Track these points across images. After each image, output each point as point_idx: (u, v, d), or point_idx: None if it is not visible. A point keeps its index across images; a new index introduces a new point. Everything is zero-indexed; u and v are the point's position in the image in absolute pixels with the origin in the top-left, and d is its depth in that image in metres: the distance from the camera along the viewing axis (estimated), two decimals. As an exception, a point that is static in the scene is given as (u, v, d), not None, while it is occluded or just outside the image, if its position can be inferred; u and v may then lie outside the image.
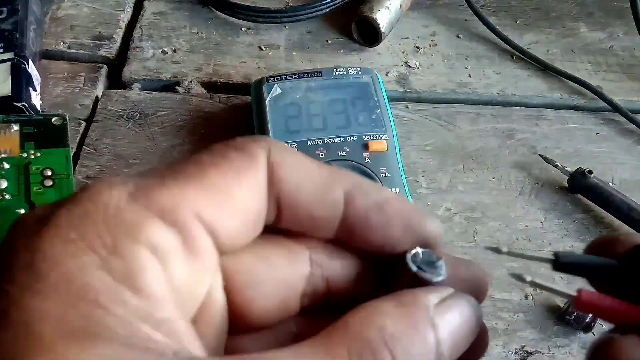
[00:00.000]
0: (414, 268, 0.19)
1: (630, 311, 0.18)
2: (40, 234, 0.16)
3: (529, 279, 0.18)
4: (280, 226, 0.20)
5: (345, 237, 0.20)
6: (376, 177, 0.37)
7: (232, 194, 0.18)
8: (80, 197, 0.17)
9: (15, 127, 0.40)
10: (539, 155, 0.43)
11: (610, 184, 0.41)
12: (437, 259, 0.19)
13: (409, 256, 0.19)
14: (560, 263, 0.19)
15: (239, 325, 0.19)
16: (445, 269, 0.19)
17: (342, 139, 0.39)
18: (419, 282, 0.19)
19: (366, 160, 0.38)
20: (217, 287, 0.19)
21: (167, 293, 0.16)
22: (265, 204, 0.19)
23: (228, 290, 0.19)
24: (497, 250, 0.20)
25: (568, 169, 0.41)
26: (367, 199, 0.20)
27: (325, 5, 0.51)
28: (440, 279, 0.19)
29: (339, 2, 0.52)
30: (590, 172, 0.40)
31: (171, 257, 0.17)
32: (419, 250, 0.19)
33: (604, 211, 0.40)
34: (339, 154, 0.38)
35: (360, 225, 0.20)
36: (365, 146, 0.39)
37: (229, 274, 0.19)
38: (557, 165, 0.42)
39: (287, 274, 0.20)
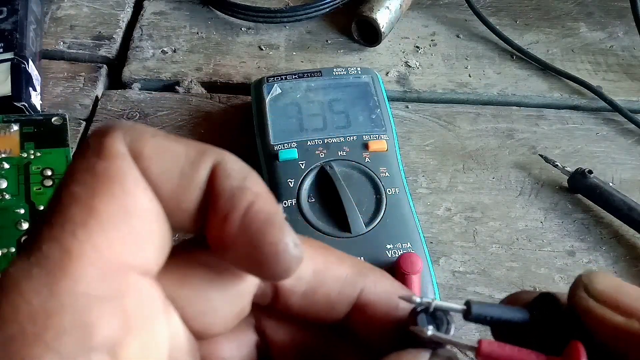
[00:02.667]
0: (428, 332, 0.18)
1: (527, 357, 0.17)
2: None
3: (429, 333, 0.18)
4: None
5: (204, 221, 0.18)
6: (376, 177, 0.37)
7: (134, 213, 0.16)
8: None
9: (15, 127, 0.40)
10: (539, 155, 0.43)
11: (610, 184, 0.41)
12: (446, 316, 0.19)
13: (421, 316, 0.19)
14: (472, 313, 0.18)
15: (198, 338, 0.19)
16: (453, 328, 0.19)
17: (342, 138, 0.39)
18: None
19: (366, 160, 0.38)
20: (175, 328, 0.18)
21: None
22: (156, 200, 0.17)
23: (184, 320, 0.18)
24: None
25: (568, 169, 0.41)
26: (230, 181, 0.17)
27: (325, 5, 0.51)
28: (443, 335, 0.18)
29: (339, 2, 0.52)
30: (590, 172, 0.40)
31: (122, 346, 0.15)
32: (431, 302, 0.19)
33: (604, 211, 0.40)
34: (339, 153, 0.38)
35: (215, 210, 0.17)
36: (365, 146, 0.39)
37: (182, 309, 0.18)
38: (557, 165, 0.42)
39: (241, 286, 0.19)
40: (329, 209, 0.36)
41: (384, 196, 0.37)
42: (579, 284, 0.18)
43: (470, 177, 0.42)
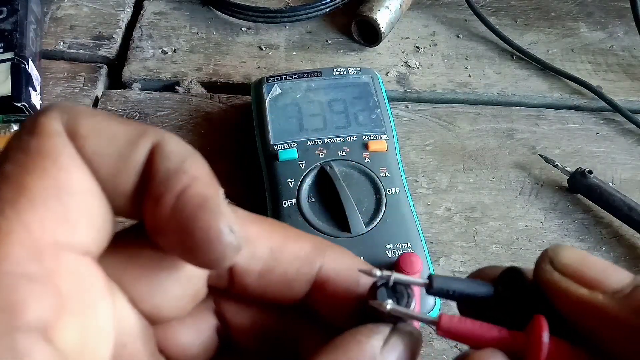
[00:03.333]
0: (388, 306, 0.18)
1: (488, 332, 0.17)
2: None
3: (389, 307, 0.18)
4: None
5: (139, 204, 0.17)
6: (376, 177, 0.37)
7: (68, 191, 0.16)
8: None
9: (15, 127, 0.40)
10: (539, 155, 0.43)
11: (610, 184, 0.41)
12: (407, 290, 0.18)
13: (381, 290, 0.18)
14: (433, 287, 0.18)
15: (154, 322, 0.18)
16: (414, 303, 0.18)
17: (342, 138, 0.39)
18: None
19: (366, 160, 0.38)
20: (122, 310, 0.17)
21: None
22: (93, 180, 0.16)
23: (133, 302, 0.17)
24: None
25: (568, 169, 0.41)
26: (167, 163, 0.16)
27: (325, 5, 0.51)
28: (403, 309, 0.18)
29: (339, 2, 0.52)
30: (590, 172, 0.40)
31: (57, 328, 0.15)
32: (390, 276, 0.18)
33: (604, 211, 0.40)
34: (339, 153, 0.38)
35: (150, 192, 0.16)
36: (365, 146, 0.39)
37: (129, 290, 0.17)
38: (557, 165, 0.42)
39: (191, 268, 0.18)
40: (329, 209, 0.36)
41: (384, 196, 0.37)
42: (545, 258, 0.18)
43: (470, 177, 0.42)
